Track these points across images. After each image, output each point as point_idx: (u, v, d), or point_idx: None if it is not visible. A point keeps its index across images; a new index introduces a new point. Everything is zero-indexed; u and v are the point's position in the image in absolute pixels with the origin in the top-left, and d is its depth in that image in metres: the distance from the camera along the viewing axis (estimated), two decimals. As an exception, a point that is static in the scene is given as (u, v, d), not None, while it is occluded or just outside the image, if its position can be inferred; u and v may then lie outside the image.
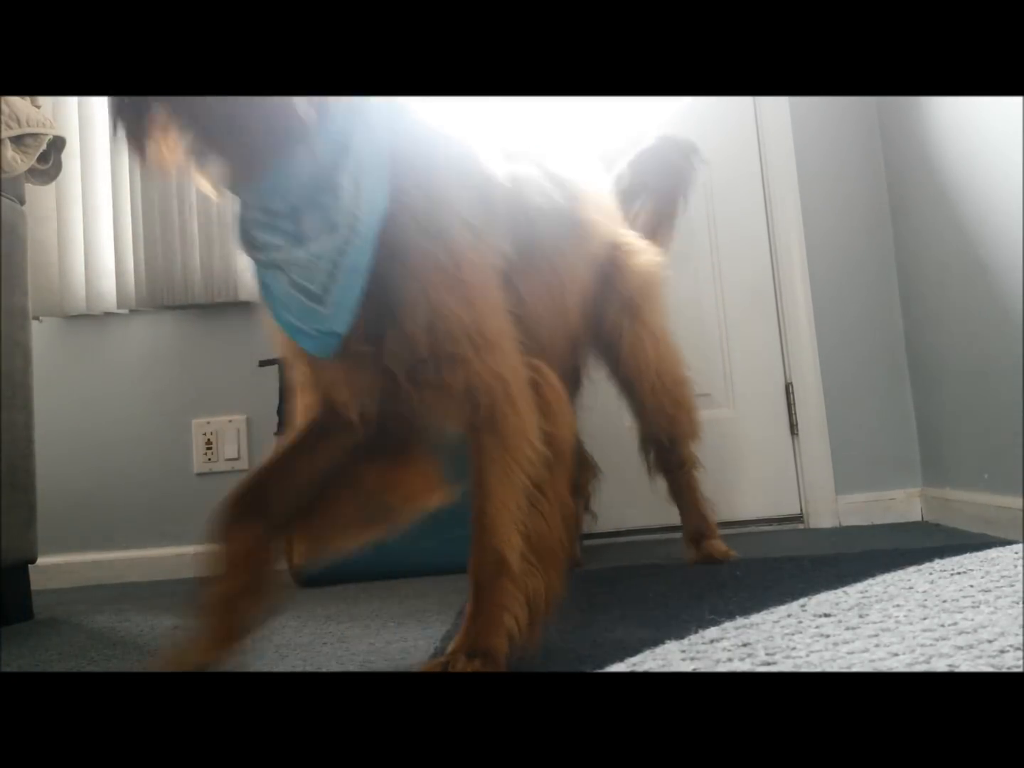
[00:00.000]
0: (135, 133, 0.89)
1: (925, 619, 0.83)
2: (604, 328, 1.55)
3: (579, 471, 1.65)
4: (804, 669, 0.72)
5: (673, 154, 1.87)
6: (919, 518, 2.15)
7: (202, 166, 0.93)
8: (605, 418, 2.27)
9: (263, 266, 0.93)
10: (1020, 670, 0.64)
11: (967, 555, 1.16)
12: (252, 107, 0.86)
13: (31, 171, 1.70)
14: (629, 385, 1.61)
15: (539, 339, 1.16)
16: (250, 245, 0.92)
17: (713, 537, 1.67)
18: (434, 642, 1.12)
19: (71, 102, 2.27)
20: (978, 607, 0.85)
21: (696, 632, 0.91)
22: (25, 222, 1.72)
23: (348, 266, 0.89)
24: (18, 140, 1.61)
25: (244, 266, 2.16)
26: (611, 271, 1.53)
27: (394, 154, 0.93)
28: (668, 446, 1.69)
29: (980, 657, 0.68)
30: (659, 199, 1.87)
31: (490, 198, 1.05)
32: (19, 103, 1.61)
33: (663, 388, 1.60)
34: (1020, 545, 1.19)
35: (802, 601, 1.01)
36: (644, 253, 1.59)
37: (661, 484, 2.23)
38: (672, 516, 2.23)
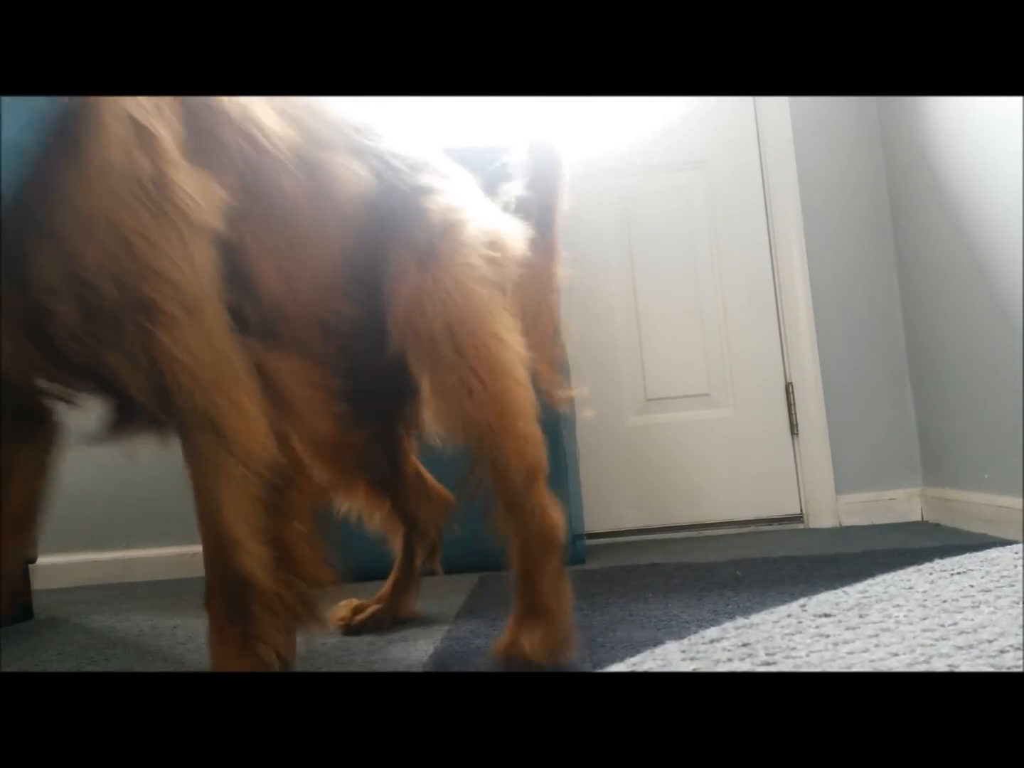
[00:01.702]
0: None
1: (925, 619, 0.83)
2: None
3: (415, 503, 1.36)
4: (804, 669, 0.72)
5: None
6: (919, 518, 2.15)
7: None
8: (604, 416, 2.27)
9: None
10: (1020, 670, 0.64)
11: (967, 555, 1.16)
12: None
13: (31, 171, 1.70)
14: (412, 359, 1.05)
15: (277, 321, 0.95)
16: None
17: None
18: (434, 642, 1.12)
19: (71, 102, 2.27)
20: (978, 607, 0.85)
21: (696, 632, 0.91)
22: (25, 222, 1.72)
23: None
24: (18, 140, 1.61)
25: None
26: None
27: None
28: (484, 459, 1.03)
29: (980, 657, 0.68)
30: None
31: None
32: (19, 103, 1.61)
33: (463, 362, 1.01)
34: (1020, 545, 1.19)
35: (802, 601, 1.01)
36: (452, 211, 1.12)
37: (655, 482, 2.24)
38: (672, 516, 2.24)
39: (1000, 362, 1.65)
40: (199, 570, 2.43)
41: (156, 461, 2.44)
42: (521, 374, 1.07)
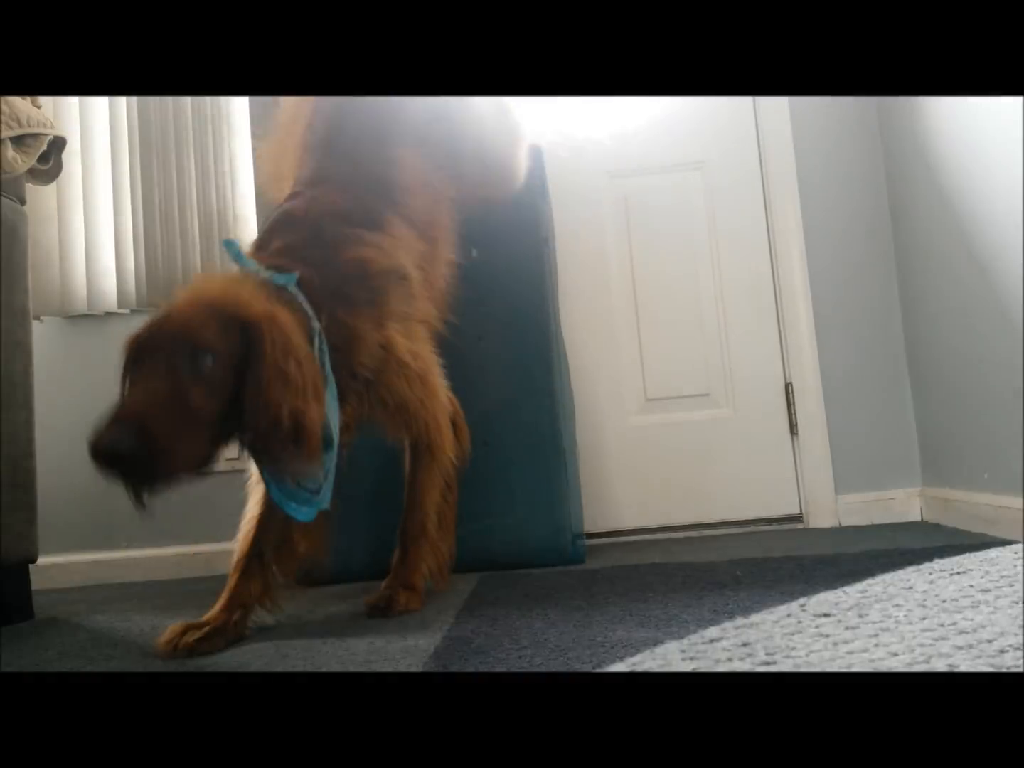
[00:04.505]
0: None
1: (925, 619, 0.83)
2: None
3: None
4: (804, 669, 0.72)
5: None
6: (919, 518, 2.15)
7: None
8: (604, 416, 2.28)
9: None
10: (1020, 670, 0.64)
11: (967, 555, 1.16)
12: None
13: (32, 171, 1.70)
14: None
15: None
16: None
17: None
18: (434, 641, 1.12)
19: (71, 102, 2.27)
20: (978, 607, 0.85)
21: (696, 632, 0.91)
22: (26, 222, 1.72)
23: (333, 469, 1.27)
24: (19, 140, 1.61)
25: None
26: None
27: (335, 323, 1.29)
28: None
29: (980, 657, 0.68)
30: None
31: (409, 285, 1.43)
32: (19, 103, 1.61)
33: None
34: (1020, 545, 1.19)
35: (802, 601, 1.01)
36: None
37: (655, 482, 2.25)
38: (672, 516, 2.24)
39: (1000, 362, 1.65)
40: (199, 570, 2.45)
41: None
42: None
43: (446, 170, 1.63)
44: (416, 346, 1.42)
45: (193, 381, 1.08)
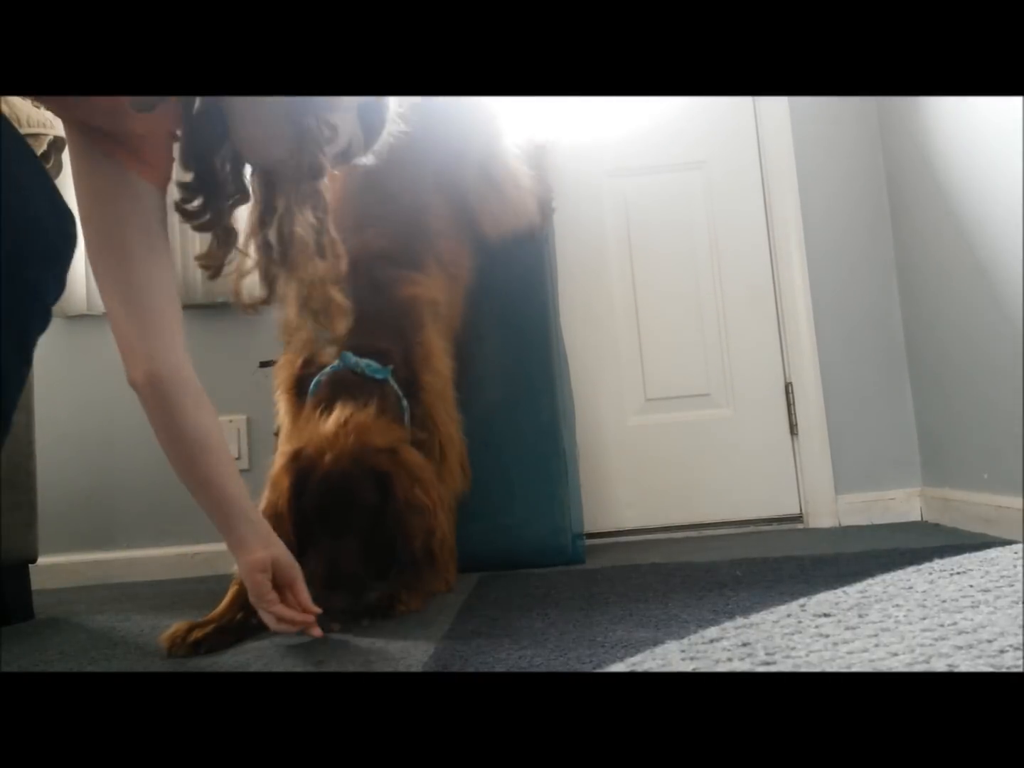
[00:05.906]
0: None
1: (925, 619, 0.83)
2: None
3: None
4: (804, 669, 0.72)
5: None
6: (919, 518, 2.15)
7: None
8: (604, 416, 2.27)
9: None
10: (1020, 670, 0.64)
11: (967, 555, 1.16)
12: None
13: (31, 171, 1.70)
14: None
15: None
16: None
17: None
18: (434, 641, 1.12)
19: (71, 102, 2.26)
20: (977, 607, 0.85)
21: (696, 632, 0.91)
22: (25, 222, 1.72)
23: None
24: (18, 140, 1.61)
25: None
26: None
27: None
28: None
29: (980, 657, 0.68)
30: None
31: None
32: (20, 103, 1.61)
33: None
34: (1020, 545, 1.19)
35: (802, 601, 1.01)
36: None
37: (655, 482, 2.25)
38: (671, 516, 2.24)
39: (1000, 362, 1.65)
40: (199, 570, 2.45)
41: (156, 462, 2.44)
42: None
43: (464, 210, 1.75)
44: (448, 381, 1.60)
45: (356, 537, 1.33)
